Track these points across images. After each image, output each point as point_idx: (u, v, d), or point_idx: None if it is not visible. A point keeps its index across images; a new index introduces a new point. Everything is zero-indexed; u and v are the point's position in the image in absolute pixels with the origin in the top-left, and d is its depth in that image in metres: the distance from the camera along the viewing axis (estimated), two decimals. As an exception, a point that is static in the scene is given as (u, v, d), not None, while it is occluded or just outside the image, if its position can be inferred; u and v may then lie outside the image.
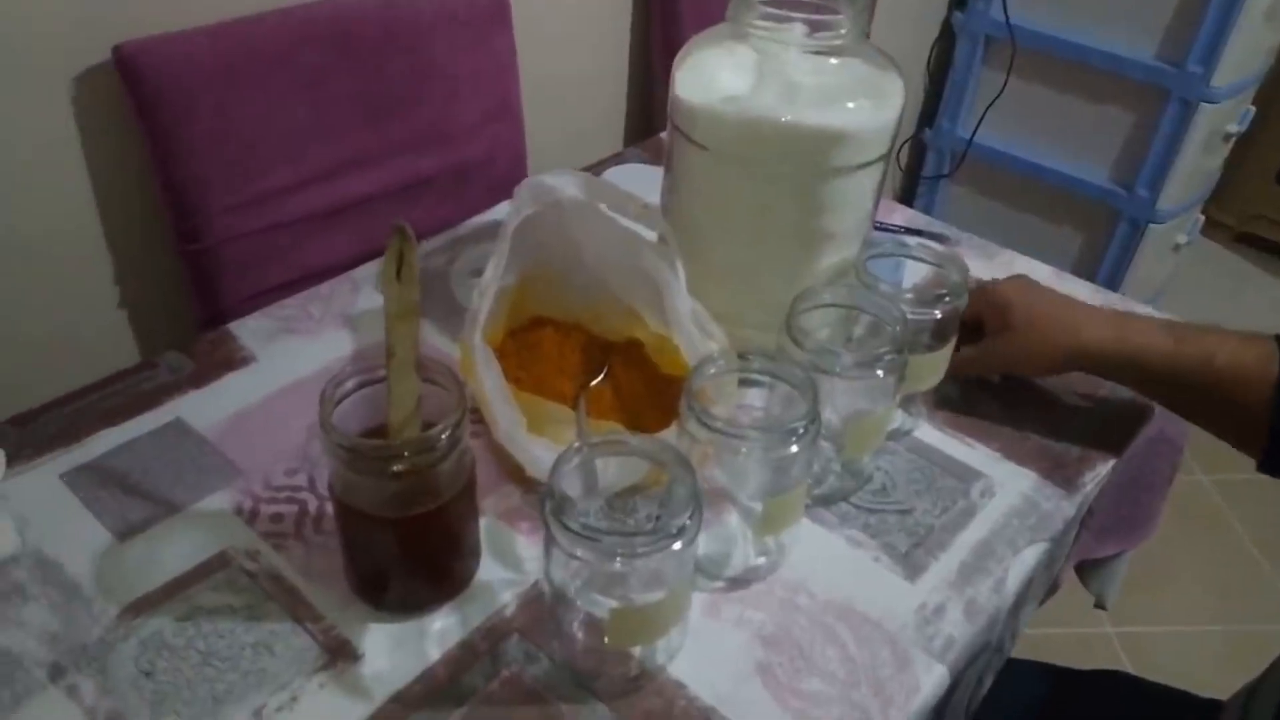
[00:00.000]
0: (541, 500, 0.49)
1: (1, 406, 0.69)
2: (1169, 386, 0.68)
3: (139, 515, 0.62)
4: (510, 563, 0.61)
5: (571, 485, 0.59)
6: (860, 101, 0.66)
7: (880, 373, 0.60)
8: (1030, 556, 0.64)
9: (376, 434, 0.54)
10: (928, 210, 1.90)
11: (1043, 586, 0.71)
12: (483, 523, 0.62)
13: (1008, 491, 0.68)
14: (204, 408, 0.70)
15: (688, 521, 0.48)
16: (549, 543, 0.50)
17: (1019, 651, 0.99)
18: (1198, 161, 1.64)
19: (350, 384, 0.54)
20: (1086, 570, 0.94)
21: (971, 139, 1.77)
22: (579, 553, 0.49)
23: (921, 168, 1.91)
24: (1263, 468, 0.65)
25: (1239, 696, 0.58)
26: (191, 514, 0.62)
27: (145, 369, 0.74)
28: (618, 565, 0.49)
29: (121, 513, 0.62)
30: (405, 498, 0.52)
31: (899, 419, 0.72)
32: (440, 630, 0.57)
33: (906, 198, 1.97)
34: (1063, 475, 0.69)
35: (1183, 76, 1.53)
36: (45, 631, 0.55)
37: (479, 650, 0.56)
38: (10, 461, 0.64)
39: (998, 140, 1.77)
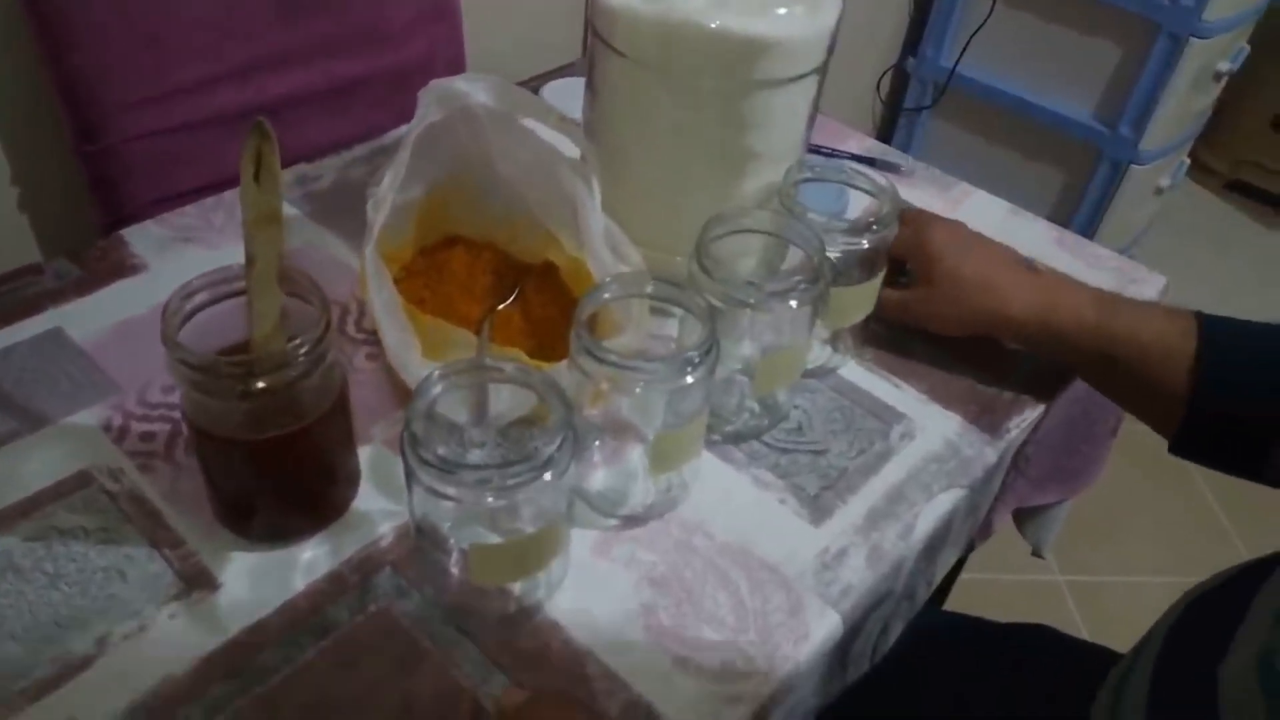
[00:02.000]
0: (401, 433, 0.46)
1: None
2: (1091, 362, 0.64)
3: (2, 428, 0.58)
4: (394, 492, 0.57)
5: (458, 413, 0.56)
6: (793, 8, 0.60)
7: (794, 304, 0.56)
8: (945, 502, 0.61)
9: (237, 352, 0.50)
10: (906, 145, 1.84)
11: (963, 534, 0.68)
12: (367, 451, 0.59)
13: (929, 435, 0.65)
14: (87, 317, 0.66)
15: (555, 452, 0.45)
16: (409, 477, 0.47)
17: (956, 601, 0.98)
18: (1185, 101, 1.58)
19: (203, 296, 0.49)
20: (1024, 518, 0.92)
21: (954, 69, 1.70)
22: (439, 488, 0.45)
23: (903, 99, 1.84)
24: (1175, 449, 0.63)
25: (1111, 680, 0.55)
26: (58, 429, 0.59)
27: (29, 274, 0.69)
28: (489, 500, 0.45)
29: (-27, 426, 0.58)
30: (263, 419, 0.49)
31: (824, 355, 0.68)
32: (309, 560, 0.53)
33: (885, 130, 1.90)
34: (989, 420, 0.66)
35: (1173, 9, 1.46)
36: (-119, 549, 0.51)
37: (348, 583, 0.53)
38: None
39: (981, 72, 1.70)
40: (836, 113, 0.99)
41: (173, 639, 0.49)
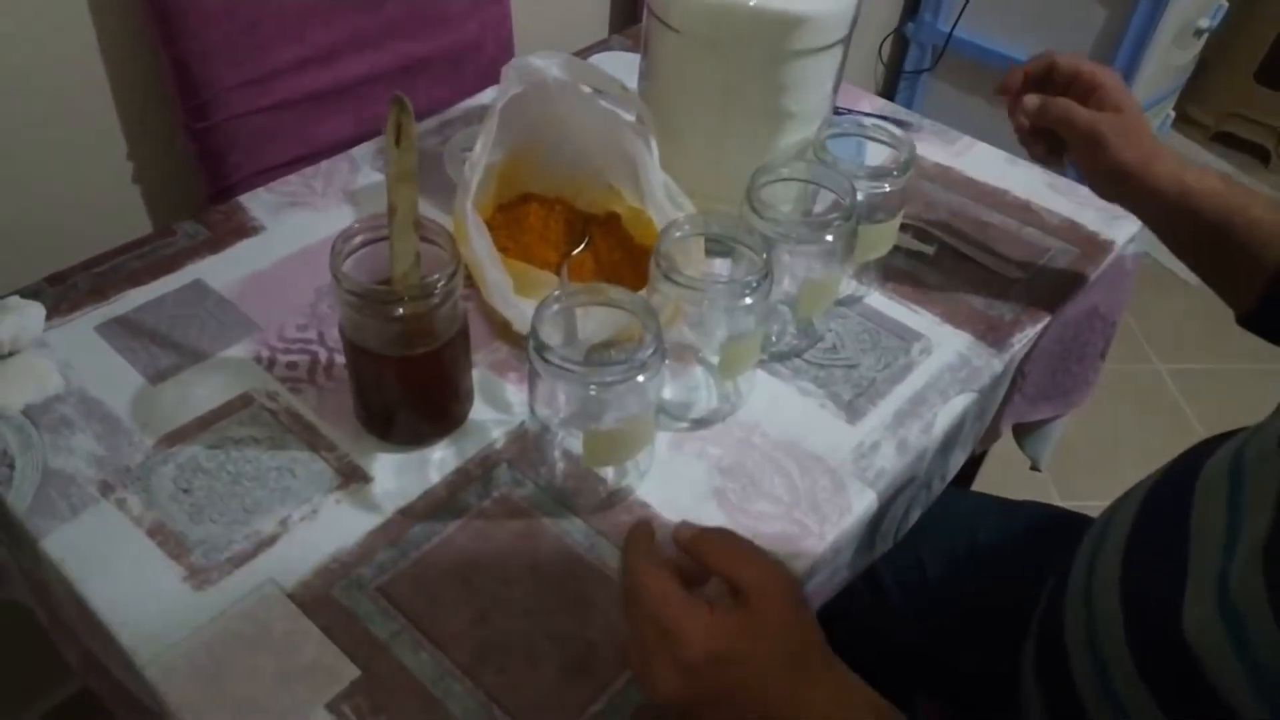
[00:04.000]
0: (527, 342, 0.57)
1: (35, 268, 0.76)
2: (1200, 227, 0.69)
3: (168, 362, 0.70)
4: (500, 406, 0.69)
5: (552, 335, 0.67)
6: (821, -12, 0.71)
7: (830, 238, 0.68)
8: (959, 404, 0.72)
9: (384, 285, 0.61)
10: (908, 104, 1.94)
11: (972, 435, 0.80)
12: (475, 373, 0.70)
13: (944, 350, 0.76)
14: (221, 270, 0.77)
15: (649, 357, 0.56)
16: (532, 378, 0.58)
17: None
18: (1167, 56, 1.68)
19: (358, 239, 0.60)
20: (1022, 434, 1.03)
21: (951, 33, 1.79)
22: (558, 386, 0.57)
23: (903, 62, 1.94)
24: (1243, 321, 0.71)
25: (1085, 552, 0.65)
26: (215, 362, 0.70)
27: (164, 236, 0.80)
28: (592, 392, 0.57)
29: (152, 360, 0.70)
30: (406, 339, 0.60)
31: (852, 287, 0.80)
32: (440, 459, 0.65)
33: (888, 92, 2.00)
34: (994, 336, 0.77)
35: (1157, -29, 1.56)
36: (93, 456, 0.63)
37: (473, 475, 0.64)
38: (48, 315, 0.71)
39: (977, 35, 1.80)
40: (859, 81, 1.10)
41: (340, 519, 0.61)
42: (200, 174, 0.92)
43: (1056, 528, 0.78)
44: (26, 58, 0.82)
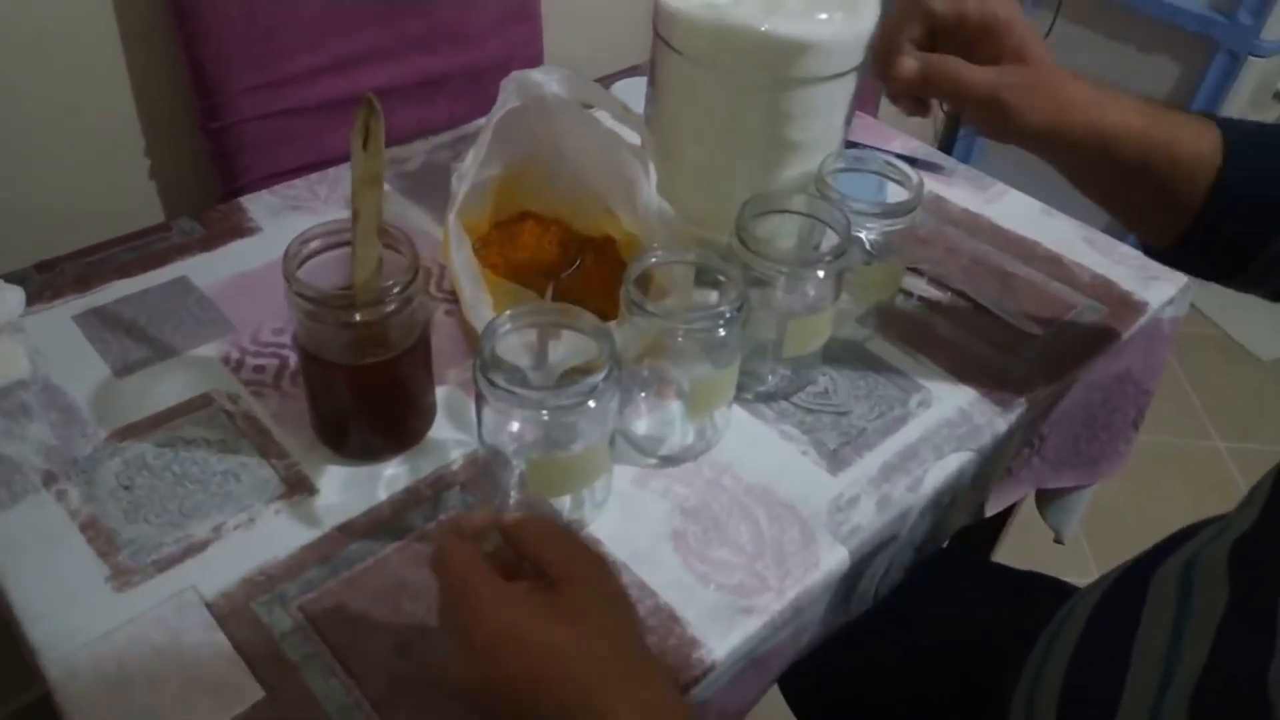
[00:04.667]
0: (474, 360, 0.54)
1: (31, 253, 0.76)
2: (1119, 171, 0.61)
3: (137, 356, 0.69)
4: (464, 426, 0.66)
5: (520, 358, 0.64)
6: (833, 13, 0.68)
7: (820, 274, 0.64)
8: (953, 463, 0.67)
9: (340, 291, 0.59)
10: (965, 155, 1.89)
11: (973, 499, 0.75)
12: (443, 391, 0.68)
13: (944, 404, 0.71)
14: (209, 269, 0.77)
15: (601, 382, 0.53)
16: (479, 401, 0.55)
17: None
18: (1245, 121, 1.60)
19: (316, 243, 0.59)
20: (1045, 502, 0.97)
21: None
22: (503, 406, 0.54)
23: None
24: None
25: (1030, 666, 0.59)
26: (184, 359, 0.69)
27: (160, 230, 0.80)
28: (544, 417, 0.54)
29: (122, 353, 0.69)
30: (360, 347, 0.58)
31: (853, 330, 0.75)
32: (391, 475, 0.62)
33: (947, 140, 1.95)
34: (1000, 394, 0.72)
35: (1232, 27, 1.48)
36: (43, 445, 0.62)
37: (423, 496, 0.61)
38: (31, 301, 0.71)
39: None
40: (899, 123, 1.06)
41: (276, 530, 0.58)
42: (214, 175, 0.93)
43: (1047, 601, 0.72)
44: (49, 48, 0.83)
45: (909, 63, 0.61)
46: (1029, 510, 1.01)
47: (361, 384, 0.59)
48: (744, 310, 0.59)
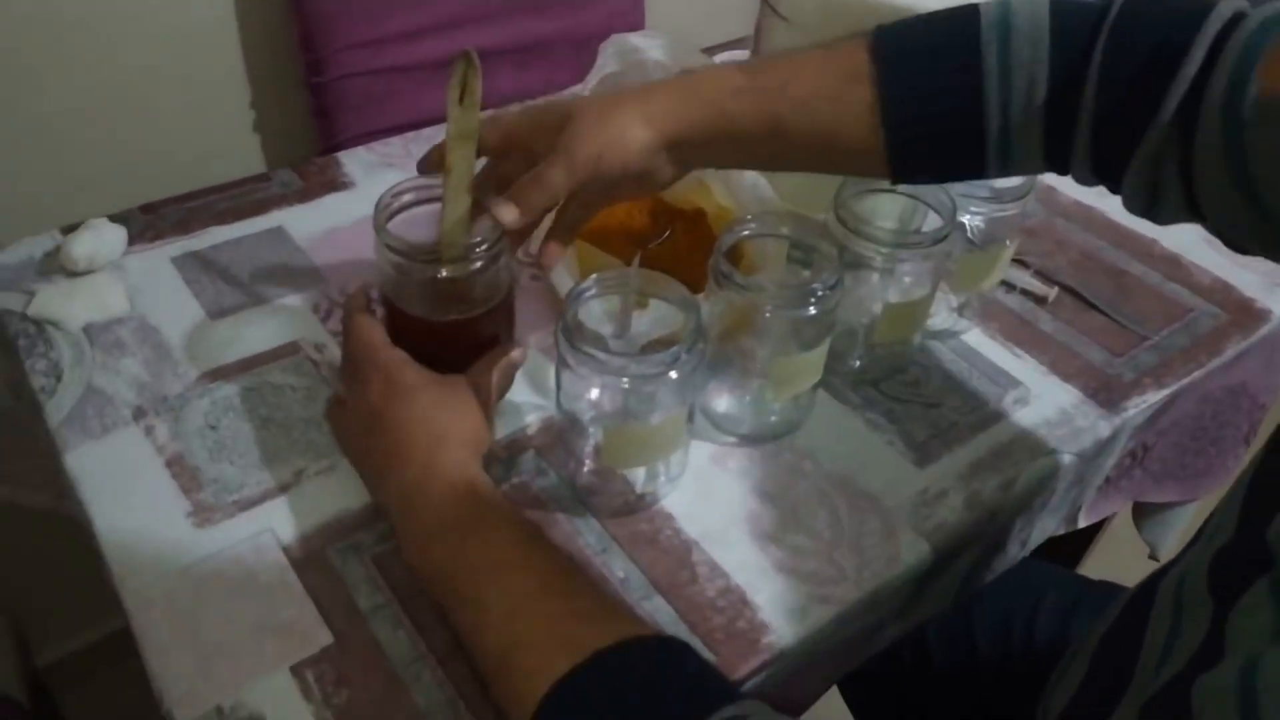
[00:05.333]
0: (556, 324, 0.53)
1: (136, 197, 0.78)
2: (759, 144, 0.54)
3: (230, 300, 0.70)
4: (543, 391, 0.65)
5: (602, 326, 0.63)
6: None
7: (921, 259, 0.61)
8: (1049, 465, 0.64)
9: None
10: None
11: (1066, 503, 0.71)
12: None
13: (1044, 403, 0.68)
14: (304, 220, 0.78)
15: (684, 353, 0.51)
16: (560, 366, 0.54)
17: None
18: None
19: (408, 197, 0.58)
20: (1143, 516, 0.92)
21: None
22: (587, 376, 0.53)
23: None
24: (898, 180, 0.54)
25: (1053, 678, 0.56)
26: (275, 306, 0.70)
27: (259, 181, 0.81)
28: (624, 385, 0.52)
29: (216, 296, 0.70)
30: (443, 303, 0.57)
31: (950, 320, 0.72)
32: (467, 435, 0.62)
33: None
34: (1106, 396, 0.68)
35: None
36: (136, 381, 0.63)
37: (497, 456, 0.61)
38: (132, 241, 0.73)
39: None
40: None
41: (354, 480, 0.58)
42: (314, 129, 0.94)
43: None
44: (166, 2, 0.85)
45: (509, 212, 0.54)
46: (1122, 522, 0.97)
47: (441, 339, 0.59)
48: (838, 290, 0.57)
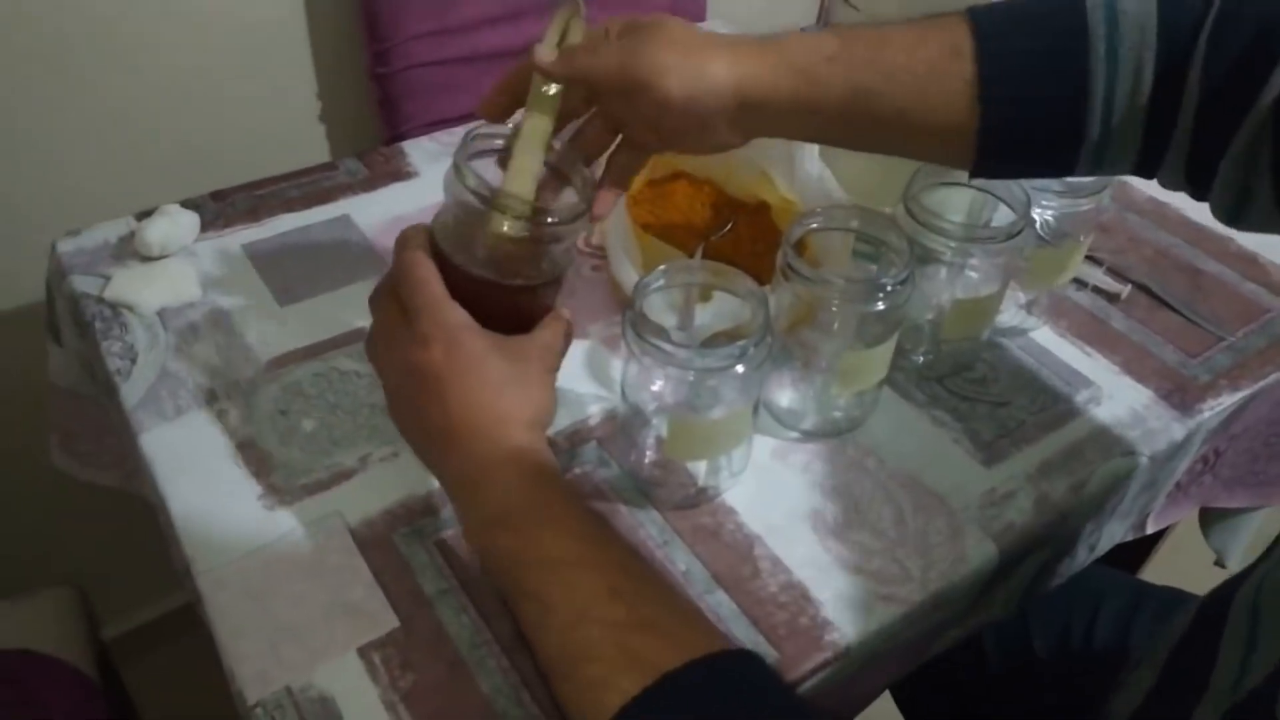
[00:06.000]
0: (624, 314, 0.53)
1: (208, 182, 0.79)
2: (838, 116, 0.51)
3: (300, 288, 0.71)
4: (604, 382, 0.66)
5: (665, 318, 0.63)
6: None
7: (991, 255, 0.60)
8: (1122, 467, 0.62)
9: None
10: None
11: (1138, 508, 0.69)
12: (585, 345, 0.67)
13: (1116, 403, 0.66)
14: (369, 209, 0.78)
15: (752, 347, 0.51)
16: (627, 356, 0.54)
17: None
18: None
19: (498, 142, 0.54)
20: (1211, 521, 0.90)
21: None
22: (652, 367, 0.52)
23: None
24: (977, 175, 0.53)
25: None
26: (343, 294, 0.71)
27: (326, 169, 0.82)
28: (690, 378, 0.52)
29: (286, 283, 0.71)
30: (494, 262, 0.52)
31: (1019, 318, 0.71)
32: (530, 425, 0.62)
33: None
34: (1182, 397, 0.66)
35: None
36: (208, 365, 0.64)
37: (560, 448, 0.61)
38: (204, 228, 0.74)
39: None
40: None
41: (419, 466, 0.58)
42: (379, 119, 0.95)
43: None
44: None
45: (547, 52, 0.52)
46: (1185, 528, 0.94)
47: (491, 303, 0.52)
48: (908, 285, 0.56)
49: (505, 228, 0.50)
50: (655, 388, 0.55)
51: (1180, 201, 0.84)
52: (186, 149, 0.92)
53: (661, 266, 0.55)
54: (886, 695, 0.81)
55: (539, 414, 0.50)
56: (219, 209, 0.77)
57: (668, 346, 0.51)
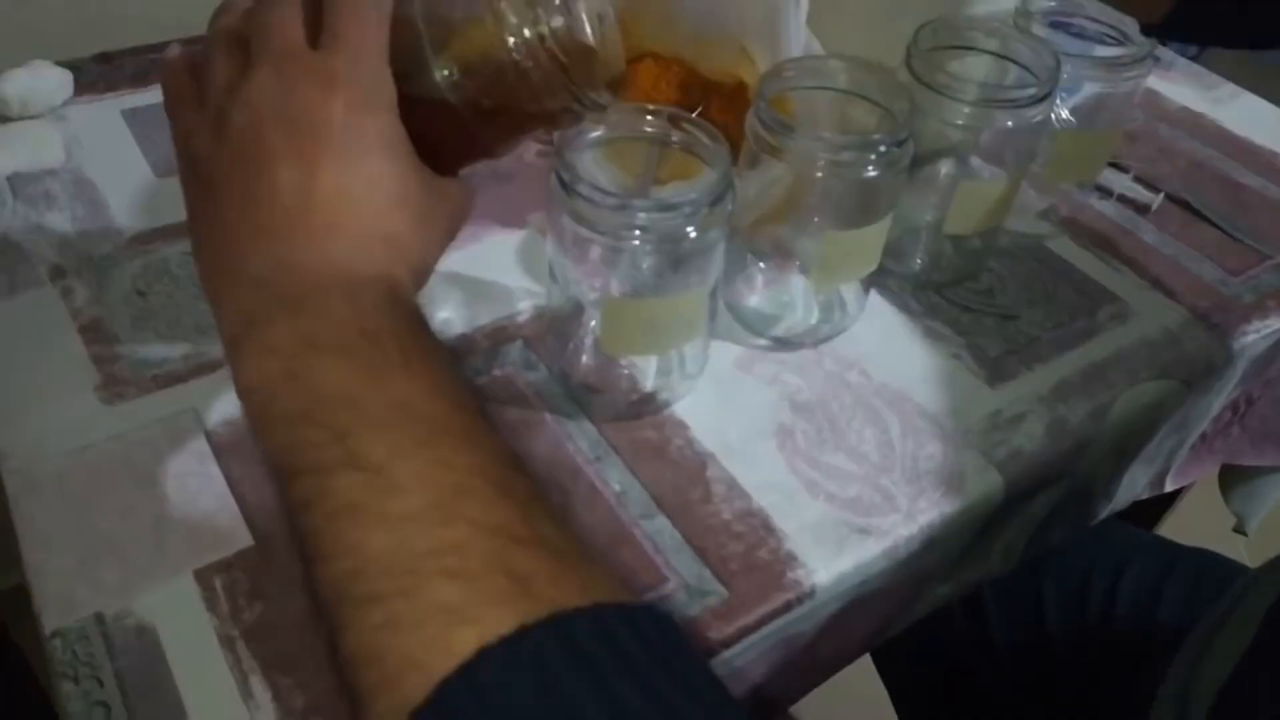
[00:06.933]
0: (553, 163, 0.42)
1: (94, 43, 0.68)
2: None
3: (184, 159, 0.60)
4: (537, 276, 0.55)
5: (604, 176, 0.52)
6: None
7: (1009, 124, 0.49)
8: (1152, 392, 0.52)
9: None
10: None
11: (1164, 450, 0.59)
12: (523, 234, 0.57)
13: (1145, 321, 0.56)
14: (280, 83, 0.67)
15: (708, 205, 0.40)
16: (555, 229, 0.43)
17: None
18: None
19: None
20: (1233, 482, 0.80)
21: None
22: (584, 231, 0.42)
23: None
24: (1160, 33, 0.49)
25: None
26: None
27: (237, 40, 0.71)
28: (633, 242, 0.41)
29: (169, 154, 0.60)
30: (466, 69, 0.37)
31: (1033, 224, 0.60)
32: (444, 319, 0.52)
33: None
34: (1224, 316, 0.56)
35: None
36: (59, 237, 0.54)
37: (479, 346, 0.50)
38: (83, 91, 0.63)
39: None
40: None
41: (299, 360, 0.48)
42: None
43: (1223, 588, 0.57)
44: None
45: None
46: (1199, 491, 0.85)
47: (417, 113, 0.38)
48: (905, 147, 0.45)
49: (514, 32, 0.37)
50: (591, 263, 0.44)
51: (1218, 112, 0.74)
52: (71, 10, 0.79)
53: (601, 121, 0.44)
54: (871, 670, 0.70)
55: (425, 265, 0.37)
56: (102, 72, 0.66)
57: (603, 199, 0.40)
